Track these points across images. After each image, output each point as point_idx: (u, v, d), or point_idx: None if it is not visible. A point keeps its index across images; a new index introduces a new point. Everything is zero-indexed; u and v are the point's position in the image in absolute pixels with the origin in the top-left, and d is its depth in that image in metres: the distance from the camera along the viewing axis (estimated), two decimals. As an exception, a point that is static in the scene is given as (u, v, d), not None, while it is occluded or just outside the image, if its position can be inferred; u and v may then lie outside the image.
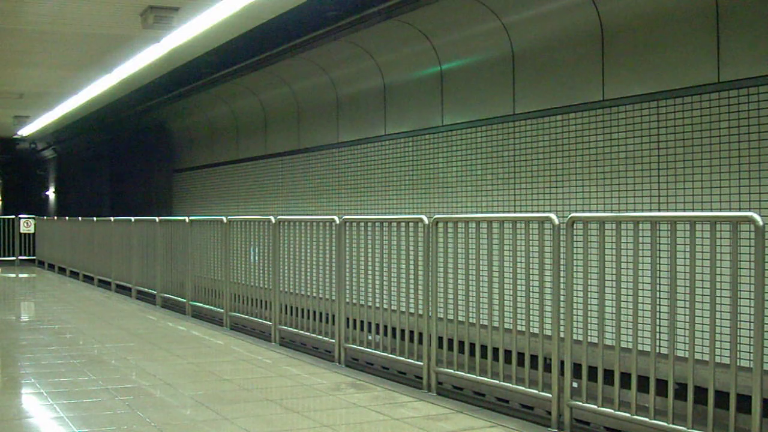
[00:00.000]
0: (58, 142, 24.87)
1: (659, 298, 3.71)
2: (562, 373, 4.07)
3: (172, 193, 18.53)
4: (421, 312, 5.16)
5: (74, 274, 14.45)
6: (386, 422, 4.21)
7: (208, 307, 8.54)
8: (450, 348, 4.93)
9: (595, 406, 3.92)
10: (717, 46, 6.33)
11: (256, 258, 7.56)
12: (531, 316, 4.33)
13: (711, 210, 6.24)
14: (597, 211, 7.26)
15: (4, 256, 18.00)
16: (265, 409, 4.55)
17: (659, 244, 3.72)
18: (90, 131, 20.86)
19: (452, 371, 4.87)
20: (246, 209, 14.55)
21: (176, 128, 17.92)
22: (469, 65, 9.09)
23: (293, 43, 10.90)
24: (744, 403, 3.37)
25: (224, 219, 8.21)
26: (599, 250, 3.94)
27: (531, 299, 4.33)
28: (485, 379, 4.63)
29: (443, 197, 9.40)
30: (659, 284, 3.70)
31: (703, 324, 3.55)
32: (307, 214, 12.31)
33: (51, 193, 31.25)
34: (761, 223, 3.21)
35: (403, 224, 5.45)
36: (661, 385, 3.74)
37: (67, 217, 16.07)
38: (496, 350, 5.23)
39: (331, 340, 6.09)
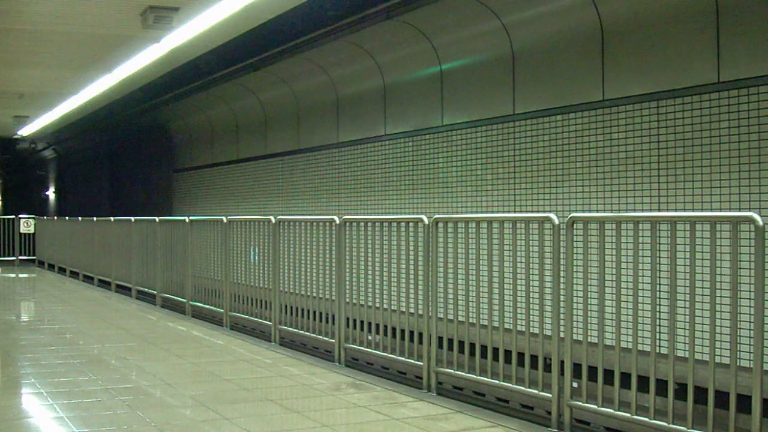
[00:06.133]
0: (58, 142, 24.88)
1: (659, 298, 3.71)
2: (562, 373, 4.07)
3: (172, 193, 18.53)
4: (421, 312, 5.16)
5: (74, 274, 14.45)
6: (386, 422, 4.21)
7: (208, 307, 8.54)
8: (450, 348, 4.93)
9: (595, 406, 3.92)
10: (717, 46, 6.33)
11: (256, 258, 7.56)
12: (531, 316, 4.33)
13: (711, 210, 6.24)
14: (597, 211, 7.26)
15: (4, 256, 18.00)
16: (265, 409, 4.55)
17: (659, 244, 3.72)
18: (90, 131, 20.87)
19: (452, 371, 4.87)
20: (246, 209, 14.55)
21: (176, 128, 17.92)
22: (469, 65, 9.09)
23: (293, 43, 10.90)
24: (744, 403, 3.37)
25: (224, 219, 8.21)
26: (599, 250, 3.94)
27: (531, 299, 4.33)
28: (485, 379, 4.63)
29: (443, 197, 9.40)
30: (659, 284, 3.70)
31: (703, 324, 3.54)
32: (307, 214, 12.31)
33: (51, 193, 31.26)
34: (761, 223, 3.21)
35: (403, 224, 5.45)
36: (661, 385, 3.74)
37: (67, 217, 16.07)
38: (496, 350, 5.23)
39: (331, 340, 6.09)
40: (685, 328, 3.63)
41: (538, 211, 7.82)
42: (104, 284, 12.51)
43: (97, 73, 12.03)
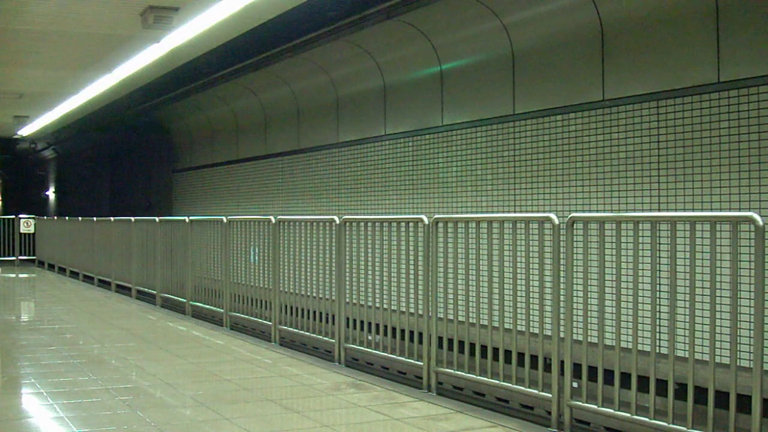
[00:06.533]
0: (58, 142, 24.88)
1: (659, 298, 3.71)
2: (562, 373, 4.07)
3: (172, 193, 18.52)
4: (421, 312, 5.16)
5: (74, 274, 14.45)
6: (386, 422, 4.21)
7: (208, 307, 8.54)
8: (450, 348, 4.93)
9: (595, 406, 3.92)
10: (717, 46, 6.33)
11: (256, 258, 7.56)
12: (531, 316, 4.33)
13: (711, 210, 6.24)
14: (597, 211, 7.26)
15: (4, 256, 18.00)
16: (265, 409, 4.55)
17: (659, 244, 3.72)
18: (90, 131, 20.87)
19: (452, 371, 4.87)
20: (246, 209, 14.55)
21: (176, 128, 17.92)
22: (469, 65, 9.09)
23: (293, 43, 10.90)
24: (744, 403, 3.37)
25: (224, 219, 8.21)
26: (599, 250, 3.94)
27: (531, 299, 4.33)
28: (485, 379, 4.63)
29: (443, 197, 9.40)
30: (659, 284, 3.70)
31: (703, 324, 3.55)
32: (307, 214, 12.31)
33: (51, 193, 31.25)
34: (761, 223, 3.21)
35: (403, 224, 5.45)
36: (661, 385, 3.74)
37: (67, 217, 16.07)
38: (496, 350, 5.23)
39: (331, 340, 6.09)
40: (685, 328, 3.63)
41: (538, 211, 7.82)
42: (104, 284, 12.51)
43: (97, 73, 12.02)
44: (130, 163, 22.18)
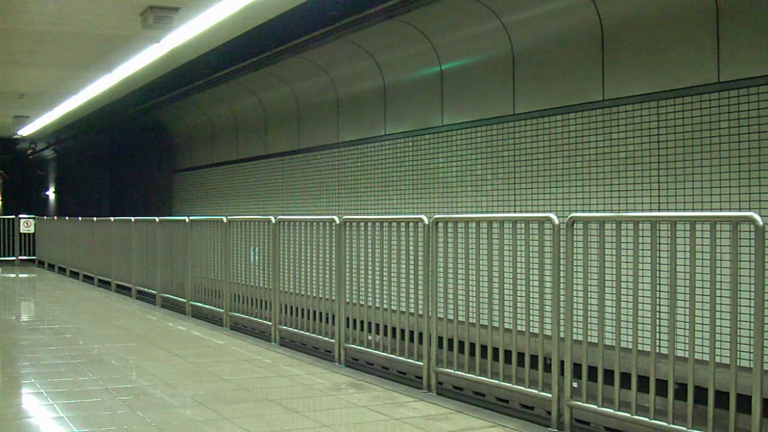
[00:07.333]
0: (58, 142, 24.89)
1: (659, 298, 3.71)
2: (562, 373, 4.07)
3: (172, 193, 18.53)
4: (421, 312, 5.16)
5: (74, 274, 14.45)
6: (386, 422, 4.21)
7: (208, 307, 8.54)
8: (450, 348, 4.93)
9: (595, 406, 3.92)
10: (717, 46, 6.33)
11: (256, 258, 7.56)
12: (531, 316, 4.33)
13: (711, 210, 6.24)
14: (597, 211, 7.26)
15: (4, 256, 18.00)
16: (265, 409, 4.55)
17: (659, 244, 3.72)
18: (90, 131, 20.88)
19: (452, 371, 4.87)
20: (246, 209, 14.55)
21: (176, 128, 17.92)
22: (469, 65, 9.09)
23: (293, 43, 10.90)
24: (744, 403, 3.37)
25: (224, 219, 8.21)
26: (599, 250, 3.94)
27: (531, 299, 4.33)
28: (485, 379, 4.63)
29: (443, 197, 9.40)
30: (659, 284, 3.70)
31: (703, 324, 3.54)
32: (307, 214, 12.31)
33: (51, 193, 31.26)
34: (761, 223, 3.20)
35: (403, 224, 5.45)
36: (661, 385, 3.74)
37: (67, 217, 16.07)
38: (496, 350, 5.23)
39: (331, 340, 6.09)
40: (685, 328, 3.63)
41: (538, 211, 7.82)
42: (104, 284, 12.51)
43: (97, 73, 12.03)
44: (130, 163, 22.19)
